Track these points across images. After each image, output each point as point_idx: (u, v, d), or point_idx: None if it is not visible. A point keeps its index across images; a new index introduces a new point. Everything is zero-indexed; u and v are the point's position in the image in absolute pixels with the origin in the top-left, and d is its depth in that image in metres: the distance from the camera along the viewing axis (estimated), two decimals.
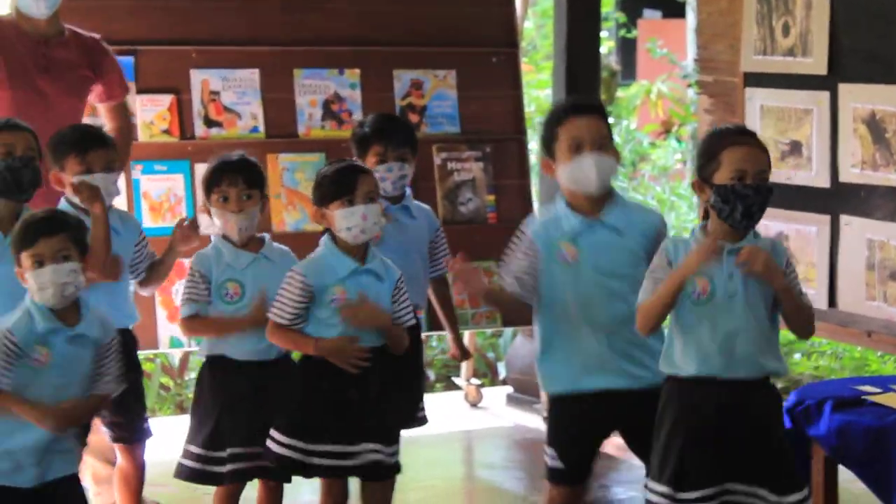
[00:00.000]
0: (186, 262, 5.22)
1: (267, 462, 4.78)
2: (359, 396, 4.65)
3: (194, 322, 4.96)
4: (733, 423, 4.30)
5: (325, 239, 4.75)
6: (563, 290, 4.62)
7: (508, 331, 8.45)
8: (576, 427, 4.68)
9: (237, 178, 4.95)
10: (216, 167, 5.00)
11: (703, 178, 4.30)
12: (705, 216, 4.39)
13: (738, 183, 4.23)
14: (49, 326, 4.16)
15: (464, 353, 5.83)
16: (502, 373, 8.49)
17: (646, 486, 4.42)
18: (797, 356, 9.04)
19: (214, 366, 4.98)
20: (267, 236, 5.09)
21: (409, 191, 5.43)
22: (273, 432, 4.70)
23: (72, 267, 4.14)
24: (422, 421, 5.53)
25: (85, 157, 5.02)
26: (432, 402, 8.06)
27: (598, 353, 4.60)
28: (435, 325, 7.14)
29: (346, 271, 4.67)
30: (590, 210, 4.62)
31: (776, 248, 4.39)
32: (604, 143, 4.59)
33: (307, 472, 4.74)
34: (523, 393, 7.69)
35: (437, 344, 9.38)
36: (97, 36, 5.95)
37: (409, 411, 5.47)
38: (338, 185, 4.69)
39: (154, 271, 5.23)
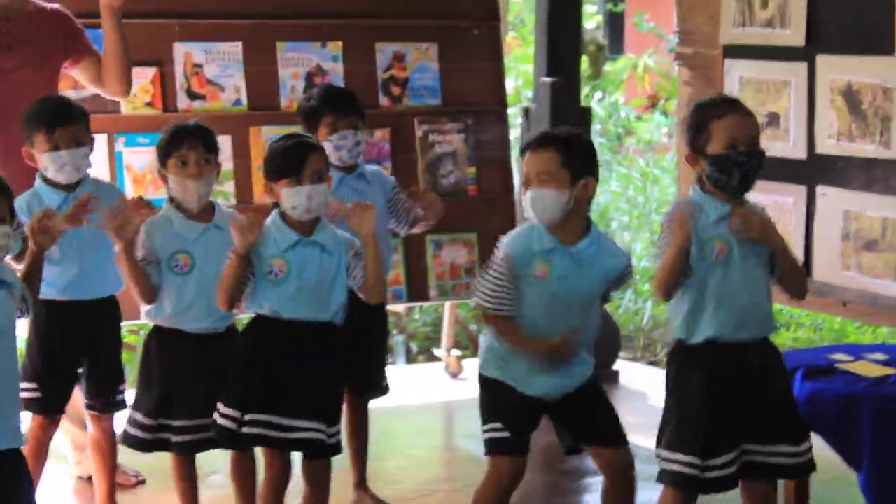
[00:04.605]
0: None
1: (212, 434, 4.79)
2: (300, 372, 4.61)
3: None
4: (753, 384, 4.37)
5: (274, 212, 4.71)
6: (531, 304, 4.50)
7: None
8: (515, 401, 4.58)
9: (197, 142, 4.88)
10: (175, 131, 4.92)
11: (696, 151, 4.37)
12: (700, 184, 4.46)
13: (731, 151, 4.30)
14: None
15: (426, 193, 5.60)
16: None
17: (660, 457, 4.39)
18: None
19: (162, 335, 4.96)
20: (217, 202, 5.04)
21: (360, 158, 5.42)
22: (218, 404, 4.69)
23: (5, 231, 4.00)
24: (385, 390, 5.56)
25: (52, 134, 4.99)
26: (413, 373, 8.15)
27: (543, 365, 4.51)
28: (415, 295, 7.22)
29: (287, 244, 4.63)
30: (562, 234, 4.50)
31: (764, 214, 4.50)
32: (547, 178, 4.41)
33: (244, 442, 4.68)
34: None
35: (419, 316, 9.43)
36: (58, 6, 5.79)
37: (375, 379, 5.53)
38: (285, 164, 4.64)
39: None
